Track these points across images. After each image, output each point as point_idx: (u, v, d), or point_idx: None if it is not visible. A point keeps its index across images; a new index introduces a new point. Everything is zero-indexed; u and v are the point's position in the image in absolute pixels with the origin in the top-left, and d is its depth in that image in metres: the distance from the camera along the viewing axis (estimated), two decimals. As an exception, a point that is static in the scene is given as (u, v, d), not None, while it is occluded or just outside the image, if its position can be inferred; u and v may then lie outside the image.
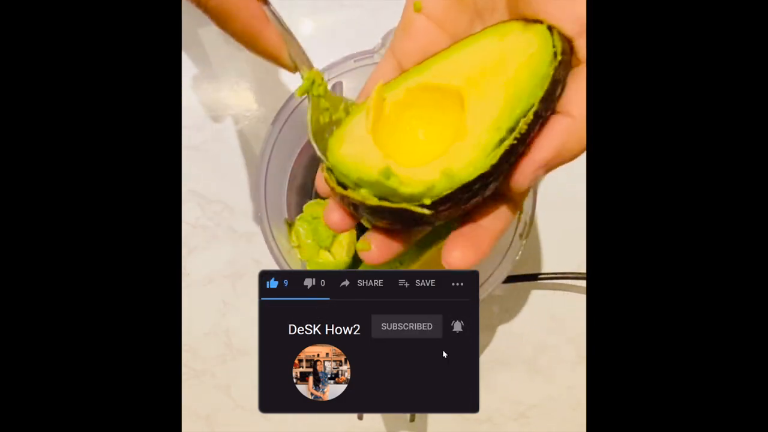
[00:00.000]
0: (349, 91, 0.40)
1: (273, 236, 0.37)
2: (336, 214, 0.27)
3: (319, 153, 0.27)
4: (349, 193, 0.25)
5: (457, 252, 0.25)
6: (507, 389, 0.46)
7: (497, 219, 0.26)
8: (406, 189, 0.24)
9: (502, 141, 0.23)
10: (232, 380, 0.46)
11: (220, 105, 0.47)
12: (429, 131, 0.27)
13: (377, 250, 0.27)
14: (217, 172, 0.47)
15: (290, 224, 0.41)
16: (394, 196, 0.24)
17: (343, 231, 0.28)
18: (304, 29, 0.47)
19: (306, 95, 0.28)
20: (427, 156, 0.25)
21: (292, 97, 0.37)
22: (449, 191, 0.23)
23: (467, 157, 0.24)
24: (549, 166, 0.24)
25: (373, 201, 0.25)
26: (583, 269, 0.44)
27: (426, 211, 0.24)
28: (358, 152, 0.26)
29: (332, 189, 0.26)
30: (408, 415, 0.35)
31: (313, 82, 0.28)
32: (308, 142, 0.42)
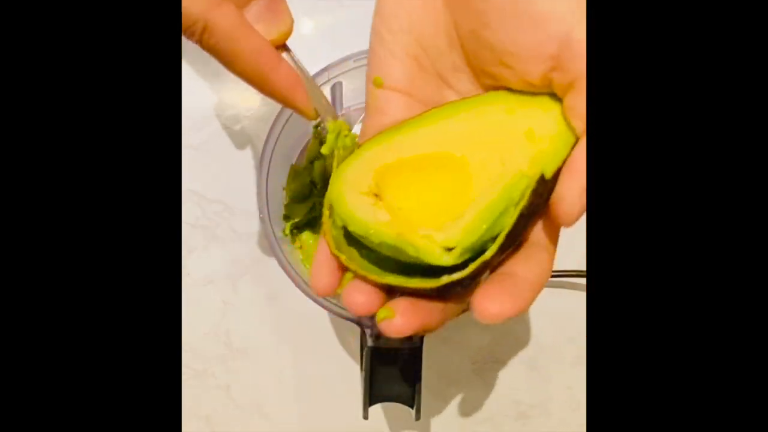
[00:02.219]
0: (350, 92, 0.40)
1: (275, 236, 0.37)
2: (359, 295, 0.23)
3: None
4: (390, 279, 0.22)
5: (495, 305, 0.22)
6: (507, 389, 0.46)
7: (536, 266, 0.24)
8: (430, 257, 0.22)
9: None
10: (232, 380, 0.46)
11: (220, 105, 0.47)
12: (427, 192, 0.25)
13: (402, 318, 0.22)
14: (217, 172, 0.47)
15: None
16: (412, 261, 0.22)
17: (370, 313, 0.23)
18: (304, 29, 0.47)
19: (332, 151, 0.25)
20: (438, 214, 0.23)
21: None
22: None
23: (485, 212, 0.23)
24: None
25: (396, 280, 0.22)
26: (583, 267, 0.44)
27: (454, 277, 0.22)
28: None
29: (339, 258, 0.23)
30: (413, 413, 0.35)
31: (338, 134, 0.25)
32: (309, 143, 0.42)
